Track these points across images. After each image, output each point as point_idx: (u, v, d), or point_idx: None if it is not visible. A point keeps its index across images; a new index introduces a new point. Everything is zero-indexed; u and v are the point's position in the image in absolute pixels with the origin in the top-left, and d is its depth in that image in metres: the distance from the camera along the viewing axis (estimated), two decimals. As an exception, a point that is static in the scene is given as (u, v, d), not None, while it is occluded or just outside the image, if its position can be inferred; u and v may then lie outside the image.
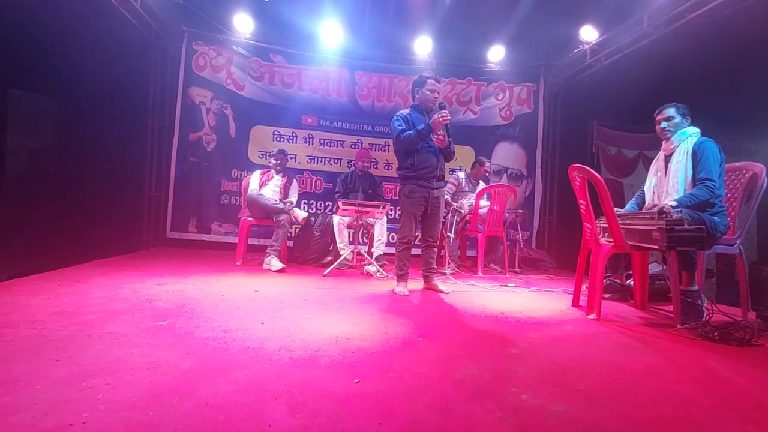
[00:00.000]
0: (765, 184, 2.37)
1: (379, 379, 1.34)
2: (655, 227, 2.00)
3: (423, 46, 4.87)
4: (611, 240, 2.31)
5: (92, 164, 3.71)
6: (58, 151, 3.46)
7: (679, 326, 2.10)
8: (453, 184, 4.33)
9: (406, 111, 2.92)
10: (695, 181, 2.31)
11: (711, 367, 1.60)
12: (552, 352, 1.68)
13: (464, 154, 5.06)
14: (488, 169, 4.47)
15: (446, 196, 3.79)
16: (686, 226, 1.92)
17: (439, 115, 2.70)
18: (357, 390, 1.26)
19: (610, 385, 1.38)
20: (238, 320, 1.92)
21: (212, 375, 1.30)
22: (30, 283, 2.47)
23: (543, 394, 1.27)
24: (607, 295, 2.86)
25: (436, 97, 2.85)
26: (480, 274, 3.89)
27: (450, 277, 3.62)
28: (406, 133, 2.77)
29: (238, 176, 4.65)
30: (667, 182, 2.46)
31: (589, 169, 2.28)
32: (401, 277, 2.87)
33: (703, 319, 2.13)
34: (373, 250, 3.91)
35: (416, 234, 2.96)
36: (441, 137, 2.81)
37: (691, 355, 1.72)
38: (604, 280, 2.89)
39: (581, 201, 2.45)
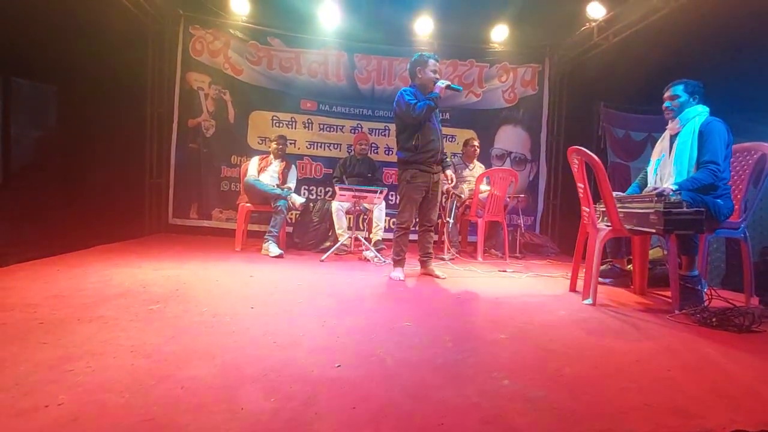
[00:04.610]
0: (773, 165, 2.27)
1: (360, 363, 1.34)
2: (652, 210, 1.94)
3: (424, 27, 4.74)
4: (610, 224, 2.25)
5: (94, 151, 3.72)
6: (60, 139, 3.48)
7: (676, 312, 2.06)
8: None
9: (410, 88, 2.83)
10: (700, 164, 2.23)
11: (705, 353, 1.56)
12: (540, 338, 1.65)
13: (466, 137, 4.95)
14: (475, 146, 4.40)
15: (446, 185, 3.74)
16: (684, 209, 1.85)
17: (442, 82, 2.73)
18: (336, 374, 1.25)
19: (596, 370, 1.35)
20: (228, 305, 1.93)
21: (193, 359, 1.31)
22: (31, 268, 2.51)
23: (524, 380, 1.25)
24: (607, 281, 2.81)
25: (437, 78, 2.78)
26: (480, 259, 3.85)
27: (449, 262, 3.59)
28: (420, 104, 2.68)
29: (238, 162, 4.63)
30: (671, 163, 2.38)
31: (587, 151, 2.21)
32: (398, 263, 2.86)
33: (703, 304, 2.07)
34: (371, 235, 3.89)
35: (414, 219, 2.93)
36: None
37: (685, 341, 1.68)
38: (605, 266, 2.85)
39: (579, 184, 2.39)
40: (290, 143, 4.62)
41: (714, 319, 1.87)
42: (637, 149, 5.19)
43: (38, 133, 3.39)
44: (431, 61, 2.79)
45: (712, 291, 2.16)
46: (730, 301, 2.05)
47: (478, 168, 4.41)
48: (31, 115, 3.32)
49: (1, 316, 1.63)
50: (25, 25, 2.97)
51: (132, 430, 0.92)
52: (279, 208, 3.65)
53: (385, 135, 4.98)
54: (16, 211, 2.96)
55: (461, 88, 3.20)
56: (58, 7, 3.18)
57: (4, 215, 2.88)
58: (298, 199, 3.78)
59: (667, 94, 2.37)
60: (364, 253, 3.64)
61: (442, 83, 2.73)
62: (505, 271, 3.30)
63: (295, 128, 4.83)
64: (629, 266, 2.80)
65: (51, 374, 1.16)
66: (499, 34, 4.87)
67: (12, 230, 2.92)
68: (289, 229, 4.25)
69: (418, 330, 1.71)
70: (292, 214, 4.32)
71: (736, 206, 2.33)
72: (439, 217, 4.13)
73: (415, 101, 2.71)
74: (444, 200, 3.91)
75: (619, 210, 2.20)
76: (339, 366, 1.30)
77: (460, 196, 4.09)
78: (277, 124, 4.80)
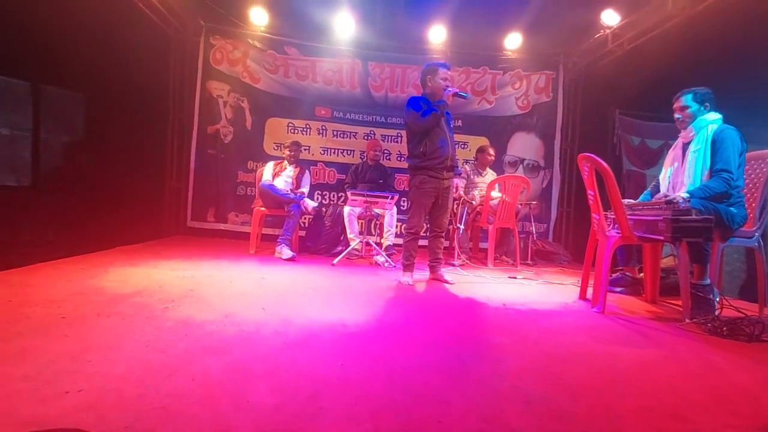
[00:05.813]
0: (789, 174, 2.23)
1: (364, 363, 1.37)
2: (661, 217, 1.92)
3: (437, 35, 4.79)
4: (619, 231, 2.24)
5: (117, 156, 3.88)
6: (86, 144, 3.64)
7: (687, 320, 2.03)
8: (462, 177, 4.29)
9: (419, 97, 2.91)
10: (712, 172, 2.21)
11: (711, 361, 1.54)
12: (545, 342, 1.66)
13: (479, 144, 4.97)
14: (492, 155, 4.41)
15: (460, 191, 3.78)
16: (693, 217, 1.84)
17: (449, 90, 2.77)
18: (340, 373, 1.29)
19: (599, 375, 1.35)
20: (240, 306, 1.99)
21: (204, 355, 1.37)
22: (54, 267, 2.63)
23: (526, 383, 1.27)
24: (618, 289, 2.78)
25: (447, 86, 2.84)
26: (490, 266, 3.85)
27: (458, 268, 3.60)
28: (426, 112, 2.75)
29: (254, 167, 4.75)
30: (684, 172, 2.36)
31: (597, 158, 2.22)
32: (407, 267, 2.89)
33: (714, 313, 2.04)
34: (382, 240, 3.93)
35: (424, 225, 2.96)
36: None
37: (692, 350, 1.66)
38: (616, 274, 2.82)
39: (589, 191, 2.39)
40: (304, 149, 4.71)
41: (725, 329, 1.84)
42: (653, 157, 5.10)
43: (65, 138, 3.55)
44: (441, 70, 2.85)
45: (724, 300, 2.12)
46: (742, 310, 2.01)
47: (490, 175, 4.42)
48: (58, 121, 3.48)
49: (26, 310, 1.72)
50: (54, 35, 3.13)
51: (145, 416, 0.98)
52: (292, 212, 3.73)
53: (397, 141, 5.04)
54: (43, 213, 3.10)
55: (468, 95, 3.37)
56: (86, 18, 3.35)
57: (32, 216, 3.02)
58: (311, 204, 3.85)
59: (676, 105, 2.36)
60: (374, 257, 3.68)
61: (449, 91, 2.77)
62: (515, 277, 3.29)
63: (310, 134, 4.93)
64: (641, 274, 2.77)
65: (71, 365, 1.23)
66: (513, 41, 4.89)
67: (39, 230, 3.06)
68: (302, 233, 4.33)
69: (423, 333, 1.74)
70: (305, 218, 4.40)
71: (751, 215, 2.29)
72: (450, 223, 4.15)
73: (422, 109, 2.77)
74: (455, 206, 3.93)
75: (629, 217, 2.19)
76: (342, 365, 1.34)
77: (471, 203, 4.10)
78: (293, 131, 4.91)
